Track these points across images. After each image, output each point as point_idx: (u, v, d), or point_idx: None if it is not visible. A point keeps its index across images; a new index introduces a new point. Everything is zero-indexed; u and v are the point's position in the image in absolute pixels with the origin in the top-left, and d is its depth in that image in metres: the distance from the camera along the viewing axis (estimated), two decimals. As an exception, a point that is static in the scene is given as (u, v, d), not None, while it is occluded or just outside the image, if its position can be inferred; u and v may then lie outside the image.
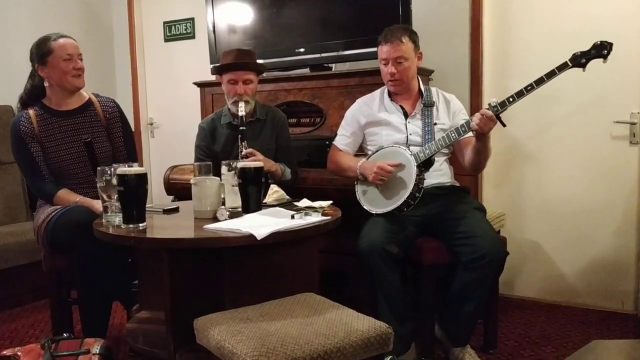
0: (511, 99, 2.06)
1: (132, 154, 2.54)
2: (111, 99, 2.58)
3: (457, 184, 2.43)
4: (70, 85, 2.36)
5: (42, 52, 2.31)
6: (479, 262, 2.05)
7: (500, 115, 2.08)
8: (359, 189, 2.35)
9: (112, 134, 2.49)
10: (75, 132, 2.39)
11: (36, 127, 2.34)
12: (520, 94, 2.06)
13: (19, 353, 1.75)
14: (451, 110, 2.42)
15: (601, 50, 2.02)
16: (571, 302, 2.98)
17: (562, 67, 2.03)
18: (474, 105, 3.01)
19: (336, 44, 2.97)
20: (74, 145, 2.38)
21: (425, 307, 2.25)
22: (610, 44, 2.02)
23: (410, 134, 2.36)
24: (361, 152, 2.51)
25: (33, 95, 2.41)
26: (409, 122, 2.38)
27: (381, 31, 2.38)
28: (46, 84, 2.37)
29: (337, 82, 2.94)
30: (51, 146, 2.36)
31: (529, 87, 2.04)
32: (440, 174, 2.36)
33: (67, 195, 2.32)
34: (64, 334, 1.87)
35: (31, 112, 2.37)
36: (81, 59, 2.37)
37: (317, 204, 2.07)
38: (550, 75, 2.03)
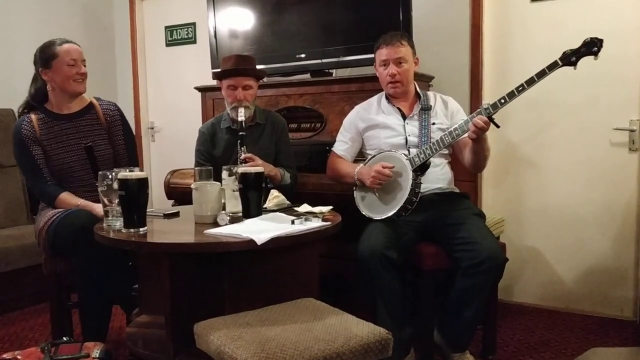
0: (503, 100, 2.07)
1: (133, 157, 2.56)
2: (112, 102, 2.59)
3: (457, 190, 2.44)
4: (72, 90, 2.38)
5: (46, 56, 2.34)
6: (478, 267, 2.05)
7: (493, 117, 2.08)
8: (357, 194, 2.36)
9: (113, 137, 2.50)
10: (76, 136, 2.41)
11: (38, 131, 2.36)
12: (511, 95, 2.05)
13: (18, 357, 1.75)
14: (449, 110, 2.44)
15: (591, 47, 1.99)
16: (570, 308, 2.98)
17: (553, 66, 2.01)
18: (474, 111, 3.01)
19: (337, 50, 2.98)
20: (75, 149, 2.39)
21: (424, 312, 2.25)
22: (601, 41, 1.98)
23: (408, 135, 2.37)
24: (361, 157, 2.52)
25: (37, 98, 2.43)
26: (407, 124, 2.40)
27: (382, 37, 2.41)
28: (49, 88, 2.40)
29: (338, 87, 2.95)
30: (53, 149, 2.37)
31: (520, 88, 2.04)
32: (442, 179, 2.37)
33: (68, 198, 2.33)
34: (64, 338, 1.86)
35: (33, 116, 2.39)
36: (84, 65, 2.40)
37: (317, 209, 2.08)
38: (541, 74, 2.01)
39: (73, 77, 2.35)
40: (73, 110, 2.44)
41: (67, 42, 2.38)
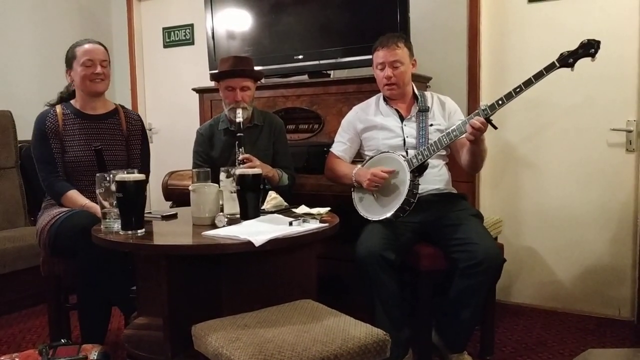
0: (500, 102, 2.07)
1: (146, 168, 2.57)
2: (137, 113, 2.69)
3: (455, 191, 2.45)
4: (89, 89, 2.43)
5: (68, 56, 2.43)
6: (476, 268, 2.05)
7: (491, 118, 2.08)
8: (355, 195, 2.36)
9: (131, 146, 2.54)
10: (95, 137, 2.43)
11: (60, 125, 2.40)
12: (509, 97, 2.06)
13: (16, 359, 1.75)
14: (446, 111, 2.44)
15: (589, 49, 1.98)
16: (568, 308, 2.99)
17: (550, 68, 2.01)
18: (472, 112, 3.02)
19: (334, 51, 2.98)
20: (90, 149, 2.40)
21: (422, 313, 2.26)
22: (598, 42, 1.97)
23: (406, 137, 2.38)
24: (359, 158, 2.52)
25: (67, 95, 2.52)
26: (405, 125, 2.40)
27: (379, 39, 2.41)
28: (74, 87, 2.48)
29: (336, 88, 2.95)
30: (70, 145, 2.40)
31: (517, 89, 2.04)
32: (439, 180, 2.37)
33: (75, 197, 2.33)
34: (62, 340, 1.86)
35: (58, 109, 2.44)
36: (104, 65, 2.44)
37: (315, 210, 2.08)
38: (538, 76, 2.01)
39: (89, 77, 2.40)
40: (98, 112, 2.49)
41: (88, 42, 2.44)
